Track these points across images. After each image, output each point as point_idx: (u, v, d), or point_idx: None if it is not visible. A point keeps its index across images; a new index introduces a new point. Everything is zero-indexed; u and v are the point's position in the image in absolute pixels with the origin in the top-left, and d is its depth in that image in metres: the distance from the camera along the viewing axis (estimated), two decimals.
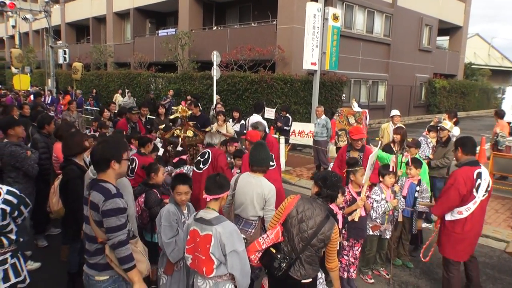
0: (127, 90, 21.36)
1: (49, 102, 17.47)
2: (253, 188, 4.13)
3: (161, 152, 7.09)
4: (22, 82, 18.48)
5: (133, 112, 8.80)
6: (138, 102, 19.56)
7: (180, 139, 6.33)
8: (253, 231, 4.25)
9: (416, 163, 5.78)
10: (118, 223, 2.99)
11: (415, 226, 5.79)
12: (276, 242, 3.40)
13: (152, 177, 4.71)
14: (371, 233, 5.27)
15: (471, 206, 4.51)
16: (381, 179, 5.27)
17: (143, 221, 4.57)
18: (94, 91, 23.85)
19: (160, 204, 4.50)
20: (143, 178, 5.02)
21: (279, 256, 3.35)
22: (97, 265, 3.17)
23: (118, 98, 20.64)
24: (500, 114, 10.60)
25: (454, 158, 4.89)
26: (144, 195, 4.57)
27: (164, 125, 7.70)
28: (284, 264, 3.31)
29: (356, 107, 12.76)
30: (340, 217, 4.59)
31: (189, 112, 6.99)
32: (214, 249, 3.15)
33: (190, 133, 6.44)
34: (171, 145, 6.70)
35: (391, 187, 5.28)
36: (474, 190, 4.47)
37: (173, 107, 9.35)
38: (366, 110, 13.05)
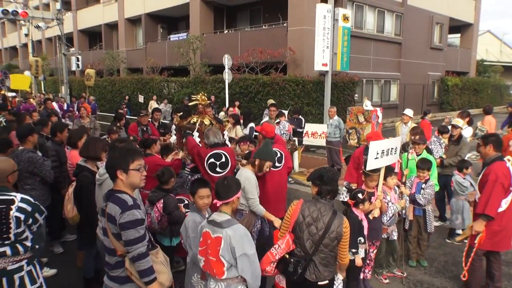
0: (165, 101, 21.27)
1: (66, 109, 17.44)
2: None
3: (173, 139, 7.10)
4: (21, 81, 16.28)
5: (141, 114, 8.83)
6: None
7: (197, 125, 6.30)
8: (245, 219, 4.55)
9: (425, 163, 5.68)
10: (137, 235, 2.92)
11: (429, 224, 5.73)
12: (288, 251, 3.40)
13: (171, 182, 4.74)
14: None
15: (510, 199, 4.60)
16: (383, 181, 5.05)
17: (162, 226, 4.58)
18: (127, 98, 23.60)
19: (177, 208, 4.55)
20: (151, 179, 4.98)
21: (292, 260, 3.35)
22: (118, 278, 3.12)
23: (153, 105, 20.63)
24: (486, 110, 10.96)
25: (483, 154, 4.91)
26: (162, 201, 4.59)
27: (181, 113, 7.71)
28: (298, 267, 3.31)
29: (368, 106, 12.68)
30: (365, 224, 4.53)
31: (208, 101, 6.97)
32: (224, 251, 3.13)
33: (207, 121, 6.42)
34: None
35: (394, 188, 5.19)
36: None
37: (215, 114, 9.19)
38: (378, 109, 12.96)
